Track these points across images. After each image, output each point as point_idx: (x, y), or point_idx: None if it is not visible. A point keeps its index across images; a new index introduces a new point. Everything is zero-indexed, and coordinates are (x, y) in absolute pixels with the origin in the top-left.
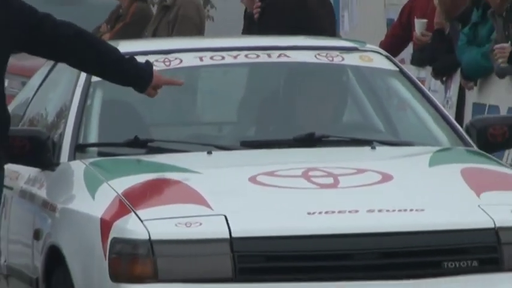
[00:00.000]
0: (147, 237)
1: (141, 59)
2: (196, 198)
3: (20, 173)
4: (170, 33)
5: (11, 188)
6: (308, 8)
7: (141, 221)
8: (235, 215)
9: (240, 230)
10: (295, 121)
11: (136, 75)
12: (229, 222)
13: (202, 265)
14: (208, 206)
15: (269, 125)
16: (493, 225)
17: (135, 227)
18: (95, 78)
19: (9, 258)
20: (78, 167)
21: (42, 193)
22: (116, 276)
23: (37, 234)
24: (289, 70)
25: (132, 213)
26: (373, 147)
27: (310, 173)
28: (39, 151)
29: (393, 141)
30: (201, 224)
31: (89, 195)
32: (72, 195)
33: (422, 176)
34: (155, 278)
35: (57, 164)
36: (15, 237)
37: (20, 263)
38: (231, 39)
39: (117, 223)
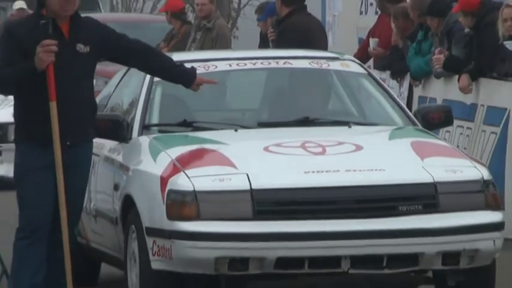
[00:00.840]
0: (193, 189)
1: (188, 65)
2: (227, 162)
3: (104, 145)
4: (214, 46)
5: (97, 155)
6: (311, 33)
7: (188, 178)
8: (254, 173)
9: (258, 184)
10: (295, 108)
11: (185, 76)
12: (250, 178)
13: (231, 208)
14: (235, 167)
15: (278, 111)
16: (432, 180)
17: (184, 182)
18: (156, 79)
19: (97, 204)
20: (144, 140)
21: (119, 158)
22: (170, 216)
23: (116, 187)
24: (291, 73)
25: (182, 172)
26: (350, 127)
27: (306, 144)
28: (117, 129)
29: (363, 122)
30: (230, 179)
31: (152, 160)
32: (140, 159)
33: (384, 146)
34: (198, 217)
35: (130, 138)
36: (101, 189)
37: (104, 207)
38: (251, 51)
39: (172, 179)
